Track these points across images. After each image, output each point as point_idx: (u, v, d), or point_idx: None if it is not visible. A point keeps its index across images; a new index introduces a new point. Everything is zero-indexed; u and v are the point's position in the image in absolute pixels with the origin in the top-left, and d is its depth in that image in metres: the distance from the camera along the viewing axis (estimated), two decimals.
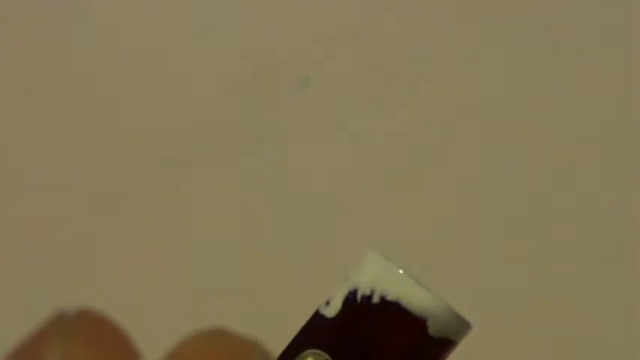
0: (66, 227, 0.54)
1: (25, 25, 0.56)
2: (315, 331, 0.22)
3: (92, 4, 0.57)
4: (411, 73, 0.57)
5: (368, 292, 0.21)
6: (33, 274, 0.54)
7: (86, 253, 0.54)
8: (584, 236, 0.56)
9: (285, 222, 0.55)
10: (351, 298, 0.22)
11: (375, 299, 0.21)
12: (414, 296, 0.21)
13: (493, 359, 0.53)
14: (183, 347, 0.15)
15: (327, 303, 0.22)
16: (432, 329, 0.21)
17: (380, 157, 0.56)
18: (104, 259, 0.54)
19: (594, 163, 0.57)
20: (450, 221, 0.56)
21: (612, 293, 0.55)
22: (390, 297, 0.21)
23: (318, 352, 0.21)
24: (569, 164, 0.57)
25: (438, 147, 0.57)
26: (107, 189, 0.55)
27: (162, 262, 0.54)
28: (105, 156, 0.55)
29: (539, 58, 0.58)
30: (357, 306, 0.22)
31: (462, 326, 0.22)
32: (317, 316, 0.22)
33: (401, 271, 0.21)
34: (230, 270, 0.54)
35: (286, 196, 0.54)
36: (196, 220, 0.54)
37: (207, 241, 0.54)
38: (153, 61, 0.56)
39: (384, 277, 0.21)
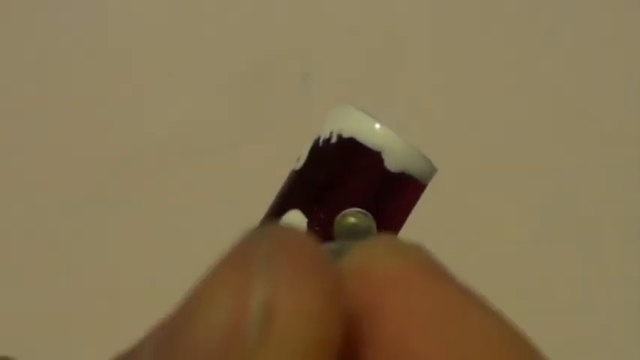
0: (64, 220, 0.55)
1: (29, 21, 0.57)
2: (287, 184, 0.23)
3: (95, 5, 0.58)
4: (411, 72, 0.58)
5: (327, 135, 0.22)
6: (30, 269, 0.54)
7: (83, 245, 0.54)
8: None
9: None
10: (314, 146, 0.23)
11: (334, 139, 0.22)
12: (368, 131, 0.22)
13: None
14: (372, 262, 0.14)
15: (298, 159, 0.23)
16: (389, 163, 0.22)
17: None
18: (100, 253, 0.54)
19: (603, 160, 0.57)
20: (449, 218, 0.56)
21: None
22: (345, 134, 0.22)
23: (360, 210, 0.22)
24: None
25: (437, 146, 0.57)
26: (107, 186, 0.55)
27: (158, 258, 0.54)
28: (106, 154, 0.56)
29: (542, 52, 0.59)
30: (318, 151, 0.23)
31: (420, 162, 0.22)
32: (290, 173, 0.23)
33: (357, 111, 0.22)
34: None
35: None
36: (193, 218, 0.54)
37: (204, 238, 0.54)
38: (153, 60, 0.57)
39: (341, 119, 0.22)
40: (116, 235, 0.54)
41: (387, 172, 0.22)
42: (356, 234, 0.21)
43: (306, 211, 0.22)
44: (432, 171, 0.23)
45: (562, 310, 0.54)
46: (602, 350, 0.54)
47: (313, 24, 0.57)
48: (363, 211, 0.22)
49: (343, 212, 0.22)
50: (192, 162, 0.55)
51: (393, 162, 0.22)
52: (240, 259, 0.13)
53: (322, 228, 0.22)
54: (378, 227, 0.22)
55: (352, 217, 0.21)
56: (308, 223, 0.22)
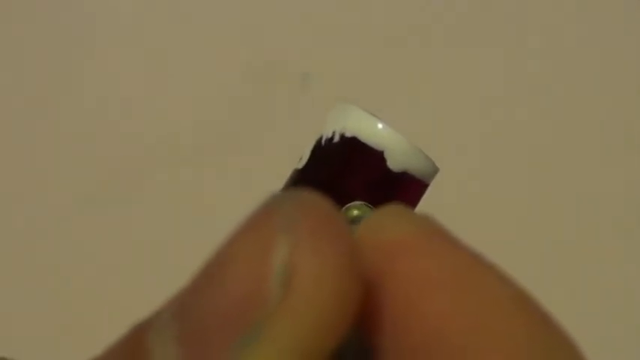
0: (64, 220, 0.55)
1: (27, 24, 0.57)
2: (289, 183, 0.23)
3: (95, 5, 0.58)
4: (412, 71, 0.58)
5: (330, 135, 0.22)
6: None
7: (86, 249, 0.54)
8: None
9: None
10: (316, 146, 0.23)
11: (336, 139, 0.22)
12: (371, 130, 0.22)
13: None
14: (384, 229, 0.14)
15: (300, 158, 0.23)
16: (391, 162, 0.22)
17: None
18: (101, 254, 0.54)
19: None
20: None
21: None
22: (348, 134, 0.22)
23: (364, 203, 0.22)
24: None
25: (438, 146, 0.57)
26: (107, 187, 0.55)
27: (159, 258, 0.54)
28: (106, 154, 0.56)
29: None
30: (321, 150, 0.23)
31: (422, 161, 0.22)
32: (292, 172, 0.23)
33: (360, 110, 0.22)
34: None
35: None
36: (194, 218, 0.54)
37: (204, 238, 0.54)
38: (154, 62, 0.57)
39: (343, 118, 0.22)
40: (117, 235, 0.54)
41: (389, 172, 0.22)
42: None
43: None
44: (434, 170, 0.23)
45: (561, 311, 0.54)
46: (602, 351, 0.54)
47: (313, 24, 0.57)
48: (366, 203, 0.22)
49: (347, 205, 0.22)
50: (193, 162, 0.55)
51: (395, 161, 0.22)
52: (261, 221, 0.14)
53: None
54: None
55: (355, 209, 0.22)
56: None
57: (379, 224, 0.15)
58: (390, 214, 0.15)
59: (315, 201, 0.14)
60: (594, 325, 0.54)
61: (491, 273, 0.14)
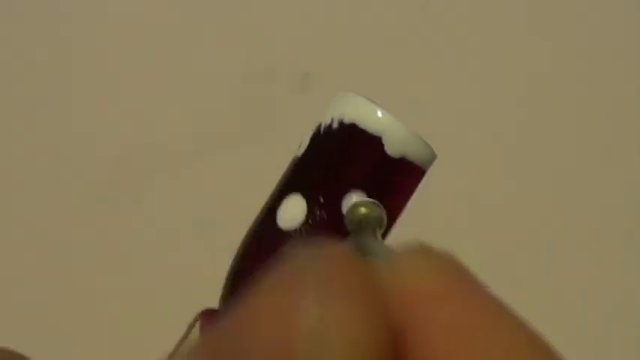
0: (66, 221, 0.55)
1: (27, 24, 0.57)
2: (289, 170, 0.23)
3: (95, 5, 0.58)
4: (412, 71, 0.58)
5: (329, 122, 0.23)
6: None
7: (87, 247, 0.54)
8: None
9: None
10: (315, 133, 0.23)
11: (335, 125, 0.22)
12: (369, 116, 0.22)
13: None
14: (414, 280, 0.14)
15: (300, 146, 0.23)
16: (389, 148, 0.22)
17: None
18: (105, 254, 0.54)
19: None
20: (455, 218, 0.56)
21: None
22: (346, 120, 0.22)
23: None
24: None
25: (437, 143, 0.57)
26: (108, 187, 0.55)
27: (159, 258, 0.54)
28: (106, 154, 0.56)
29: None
30: (320, 137, 0.23)
31: (420, 147, 0.23)
32: (292, 160, 0.23)
33: (358, 97, 0.22)
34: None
35: None
36: (194, 218, 0.54)
37: (209, 236, 0.54)
38: (155, 61, 0.57)
39: (341, 105, 0.22)
40: (116, 235, 0.54)
41: (387, 157, 0.22)
42: (367, 224, 0.21)
43: (306, 196, 0.22)
44: (432, 157, 0.23)
45: (562, 311, 0.54)
46: (602, 351, 0.54)
47: (313, 24, 0.58)
48: (372, 200, 0.22)
49: (354, 202, 0.22)
50: (193, 162, 0.55)
51: (393, 147, 0.22)
52: (290, 281, 0.13)
53: (322, 211, 0.22)
54: None
55: (363, 207, 0.22)
56: (308, 207, 0.22)
57: (409, 272, 0.14)
58: (419, 259, 0.14)
59: (343, 259, 0.14)
60: (594, 325, 0.54)
61: (517, 326, 0.14)
